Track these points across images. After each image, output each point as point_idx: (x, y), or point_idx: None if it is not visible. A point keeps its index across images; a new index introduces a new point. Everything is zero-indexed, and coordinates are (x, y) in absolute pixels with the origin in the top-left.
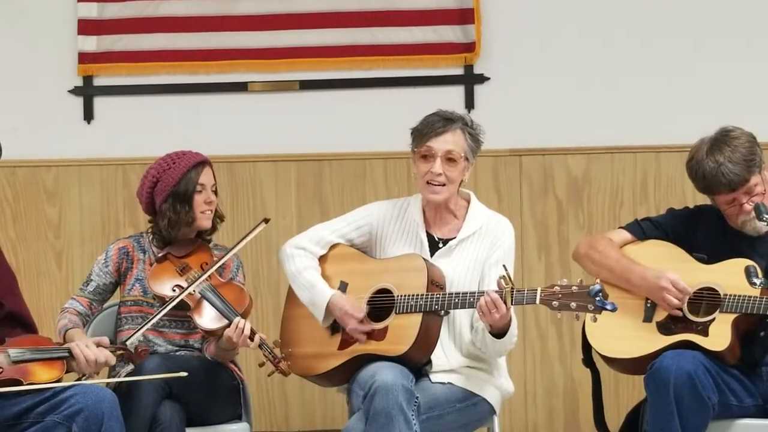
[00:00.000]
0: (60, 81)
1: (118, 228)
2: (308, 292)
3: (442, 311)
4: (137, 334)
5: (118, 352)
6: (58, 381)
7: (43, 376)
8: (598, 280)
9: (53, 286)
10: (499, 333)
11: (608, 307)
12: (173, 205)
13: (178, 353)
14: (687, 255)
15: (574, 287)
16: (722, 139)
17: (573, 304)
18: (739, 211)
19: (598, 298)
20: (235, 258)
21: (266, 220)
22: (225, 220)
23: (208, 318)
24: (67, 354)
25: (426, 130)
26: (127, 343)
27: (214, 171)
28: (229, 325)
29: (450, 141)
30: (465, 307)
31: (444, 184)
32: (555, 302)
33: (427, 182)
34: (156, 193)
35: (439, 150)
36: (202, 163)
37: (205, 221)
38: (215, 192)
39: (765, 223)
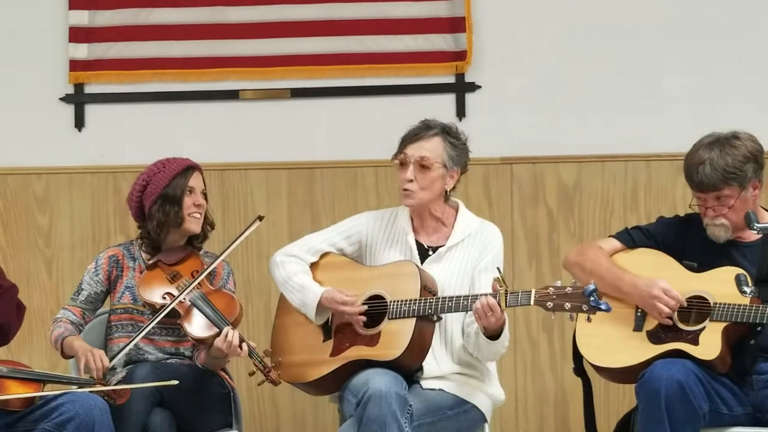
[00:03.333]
0: (51, 89)
1: (108, 236)
2: (299, 294)
3: (435, 316)
4: (130, 345)
5: (99, 387)
6: (32, 401)
7: (17, 392)
8: (592, 281)
9: (43, 293)
10: (493, 335)
11: (602, 306)
12: (162, 206)
13: (168, 361)
14: (677, 263)
15: (569, 288)
16: (724, 140)
17: (567, 305)
18: (704, 212)
19: (592, 298)
20: (225, 266)
21: (260, 218)
22: (216, 228)
23: (197, 326)
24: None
25: (404, 137)
26: (115, 361)
27: (205, 178)
28: (219, 334)
29: (425, 148)
30: (459, 311)
31: (416, 191)
32: (549, 303)
33: (403, 189)
34: (145, 197)
35: (412, 156)
36: (192, 167)
37: (193, 225)
38: (205, 198)
39: (755, 231)
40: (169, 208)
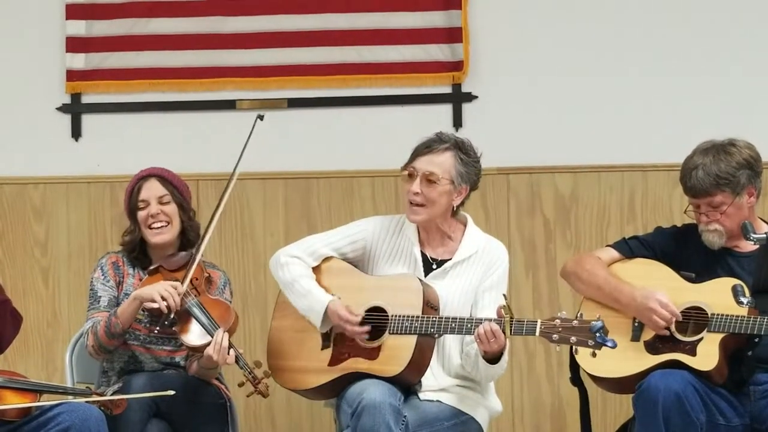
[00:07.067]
0: (48, 98)
1: (105, 245)
2: (305, 299)
3: (437, 335)
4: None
5: (95, 397)
6: (28, 411)
7: (13, 403)
8: (599, 316)
9: (40, 303)
10: (492, 359)
11: (609, 344)
12: (131, 221)
13: (164, 371)
14: (674, 274)
15: (575, 321)
16: (720, 146)
17: (573, 338)
18: (698, 218)
19: (599, 335)
20: (222, 275)
21: (260, 117)
22: (211, 237)
23: (193, 334)
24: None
25: (416, 149)
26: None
27: (174, 181)
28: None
29: (434, 162)
30: (462, 333)
31: (423, 205)
32: (555, 335)
33: (409, 202)
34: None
35: (420, 170)
36: (144, 177)
37: (155, 237)
38: (167, 203)
39: (752, 242)
40: (134, 225)
